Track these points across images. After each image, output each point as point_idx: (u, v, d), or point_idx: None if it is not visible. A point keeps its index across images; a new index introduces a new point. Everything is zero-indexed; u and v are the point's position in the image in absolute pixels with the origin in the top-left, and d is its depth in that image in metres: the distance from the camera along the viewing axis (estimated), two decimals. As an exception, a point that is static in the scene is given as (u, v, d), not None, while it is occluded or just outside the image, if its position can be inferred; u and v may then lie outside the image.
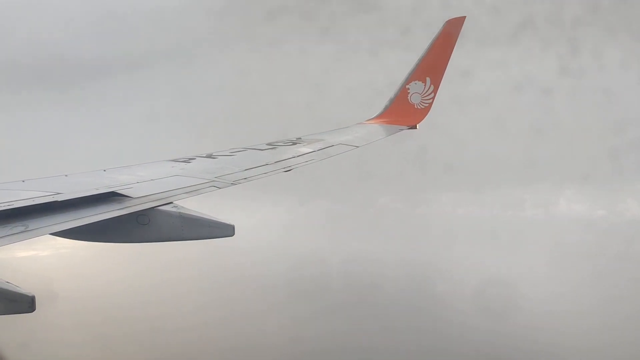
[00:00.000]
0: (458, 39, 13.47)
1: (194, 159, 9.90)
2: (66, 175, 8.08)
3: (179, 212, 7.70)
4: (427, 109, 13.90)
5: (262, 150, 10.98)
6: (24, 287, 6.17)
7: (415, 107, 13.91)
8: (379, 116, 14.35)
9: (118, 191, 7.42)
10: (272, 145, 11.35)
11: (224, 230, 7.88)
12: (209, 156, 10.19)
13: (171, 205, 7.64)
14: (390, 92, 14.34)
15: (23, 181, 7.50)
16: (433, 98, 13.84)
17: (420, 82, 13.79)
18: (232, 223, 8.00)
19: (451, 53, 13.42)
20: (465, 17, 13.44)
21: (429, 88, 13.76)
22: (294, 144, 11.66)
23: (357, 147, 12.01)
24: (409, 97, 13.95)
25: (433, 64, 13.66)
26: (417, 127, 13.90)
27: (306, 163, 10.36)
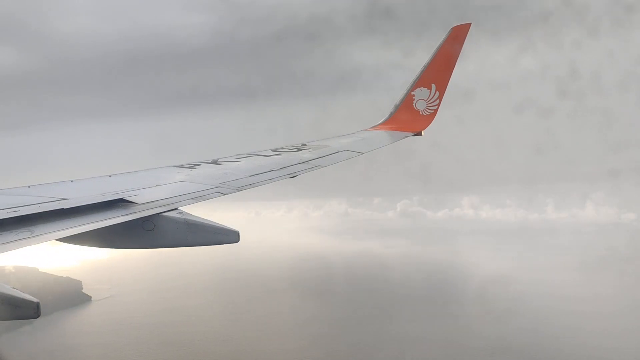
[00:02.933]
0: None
1: (199, 164, 9.90)
2: (72, 181, 8.11)
3: (184, 218, 7.66)
4: (432, 116, 13.84)
5: (267, 156, 10.96)
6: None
7: (421, 113, 13.85)
8: (384, 122, 14.30)
9: (123, 197, 7.44)
10: (277, 152, 11.33)
11: (229, 237, 7.82)
12: (214, 162, 10.19)
13: (176, 211, 7.62)
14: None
15: (29, 187, 7.53)
16: (438, 104, 13.78)
17: (426, 88, 13.73)
18: (237, 229, 7.98)
19: (456, 60, 13.36)
20: (470, 23, 13.39)
21: (434, 94, 13.71)
22: (299, 150, 11.63)
23: (362, 153, 11.99)
24: (414, 104, 13.89)
25: (438, 71, 13.60)
26: (423, 133, 13.85)
27: (311, 169, 10.34)
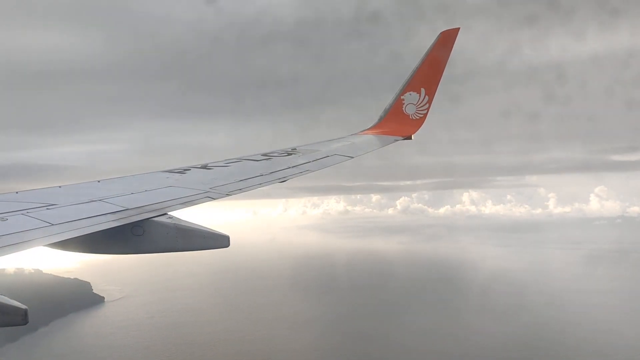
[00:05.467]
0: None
1: (189, 169, 9.87)
2: (60, 187, 8.05)
3: (174, 223, 7.60)
4: (422, 120, 13.92)
5: (257, 160, 10.95)
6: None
7: (410, 117, 13.93)
8: (374, 127, 14.37)
9: (112, 202, 7.38)
10: (267, 156, 11.32)
11: (219, 241, 7.72)
12: (204, 167, 10.16)
13: (166, 216, 7.57)
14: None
15: (16, 193, 7.46)
16: (428, 109, 13.88)
17: (415, 92, 13.82)
18: (227, 234, 7.93)
19: (445, 64, 13.46)
20: (459, 28, 13.49)
21: (423, 99, 13.79)
22: (289, 154, 11.63)
23: (352, 157, 12.01)
24: (403, 108, 13.96)
25: (427, 75, 13.68)
26: (412, 137, 13.92)
27: (301, 174, 10.34)
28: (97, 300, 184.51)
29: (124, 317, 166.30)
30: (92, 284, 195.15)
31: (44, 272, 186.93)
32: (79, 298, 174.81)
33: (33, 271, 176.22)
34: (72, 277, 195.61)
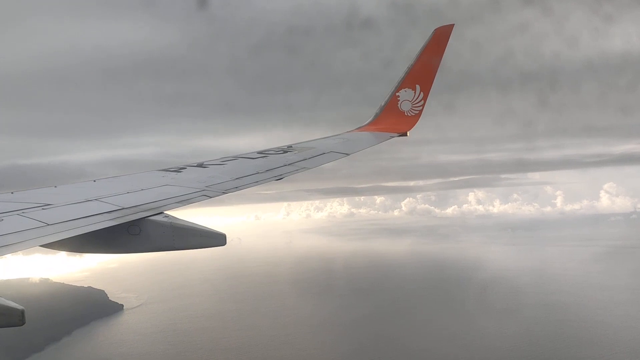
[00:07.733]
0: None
1: (185, 168, 9.96)
2: (55, 187, 8.17)
3: (170, 222, 7.62)
4: (417, 116, 13.95)
5: (253, 158, 11.03)
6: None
7: (406, 114, 13.97)
8: (370, 124, 14.42)
9: (108, 201, 7.51)
10: (263, 154, 11.41)
11: (216, 240, 7.73)
12: (200, 165, 10.25)
13: (162, 215, 7.64)
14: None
15: (12, 193, 7.60)
16: (423, 105, 13.91)
17: (410, 89, 13.85)
18: (223, 232, 7.96)
19: (440, 61, 13.48)
20: (453, 24, 13.53)
21: (418, 95, 13.82)
22: (285, 152, 11.72)
23: (348, 154, 12.08)
24: (399, 105, 14.00)
25: (422, 72, 13.70)
26: (408, 134, 13.96)
27: (297, 171, 10.42)
28: (116, 308, 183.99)
29: (147, 324, 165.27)
30: (106, 292, 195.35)
31: (54, 280, 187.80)
32: (96, 307, 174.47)
33: (56, 281, 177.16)
34: (85, 286, 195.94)
